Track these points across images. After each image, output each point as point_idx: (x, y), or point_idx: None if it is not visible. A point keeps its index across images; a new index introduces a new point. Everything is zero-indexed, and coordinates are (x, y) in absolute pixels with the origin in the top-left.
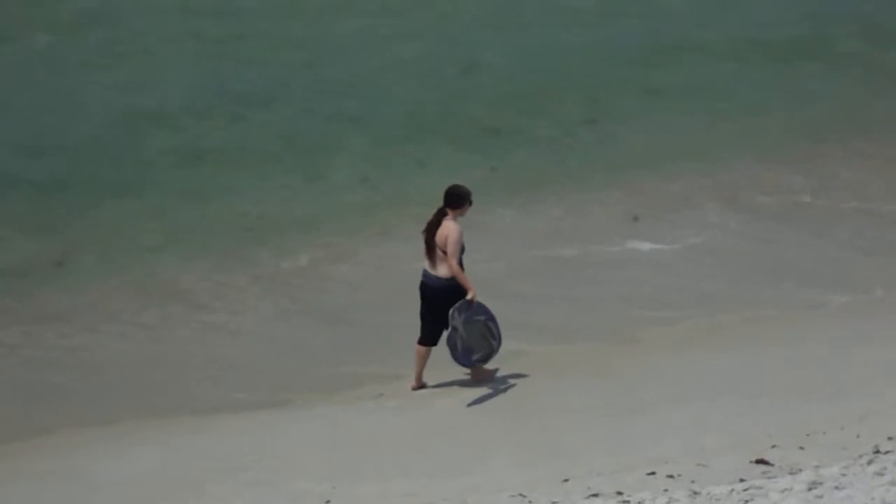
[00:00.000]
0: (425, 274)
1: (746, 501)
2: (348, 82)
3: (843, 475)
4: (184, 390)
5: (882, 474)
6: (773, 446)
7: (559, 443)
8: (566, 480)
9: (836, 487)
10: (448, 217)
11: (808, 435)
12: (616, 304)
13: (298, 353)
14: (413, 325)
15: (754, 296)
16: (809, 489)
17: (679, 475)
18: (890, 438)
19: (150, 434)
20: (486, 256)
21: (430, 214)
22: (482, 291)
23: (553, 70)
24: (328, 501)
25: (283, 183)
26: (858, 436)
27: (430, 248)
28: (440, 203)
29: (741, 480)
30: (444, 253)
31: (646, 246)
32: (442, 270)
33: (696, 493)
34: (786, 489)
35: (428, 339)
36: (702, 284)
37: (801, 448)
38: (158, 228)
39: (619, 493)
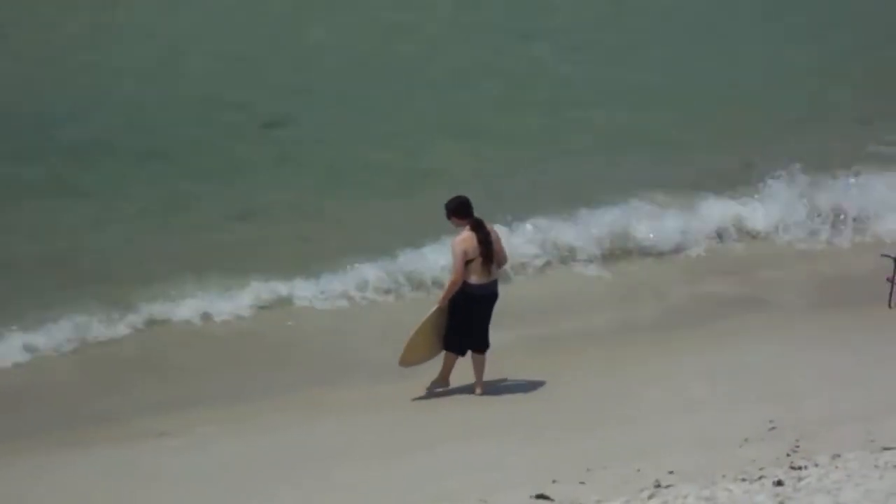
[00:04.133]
0: (491, 284)
1: None
2: None
3: None
4: None
5: None
6: (554, 481)
7: (340, 481)
8: None
9: None
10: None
11: (588, 469)
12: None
13: (76, 389)
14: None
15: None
16: None
17: None
18: (671, 472)
19: None
20: None
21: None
22: None
23: None
24: None
25: None
26: (639, 470)
27: (490, 258)
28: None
29: None
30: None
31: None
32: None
33: None
34: None
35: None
36: None
37: (582, 483)
38: None
39: None
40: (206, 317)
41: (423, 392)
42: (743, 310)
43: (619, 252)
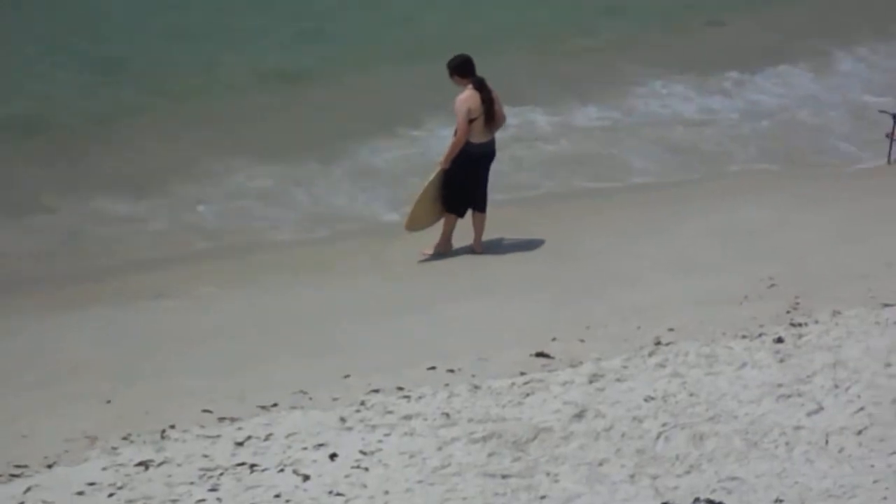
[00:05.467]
0: (490, 143)
1: (527, 395)
2: None
3: (625, 367)
4: None
5: (664, 366)
6: (554, 339)
7: (338, 340)
8: (347, 376)
9: (618, 380)
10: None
11: (588, 328)
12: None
13: (76, 254)
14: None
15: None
16: (591, 381)
17: (459, 369)
18: (671, 330)
19: None
20: None
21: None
22: None
23: None
24: (109, 401)
25: None
26: (639, 327)
27: (492, 117)
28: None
29: (521, 374)
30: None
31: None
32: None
33: (476, 387)
34: (567, 382)
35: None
36: None
37: (582, 341)
38: None
39: (400, 389)
40: None
41: (422, 255)
42: (739, 169)
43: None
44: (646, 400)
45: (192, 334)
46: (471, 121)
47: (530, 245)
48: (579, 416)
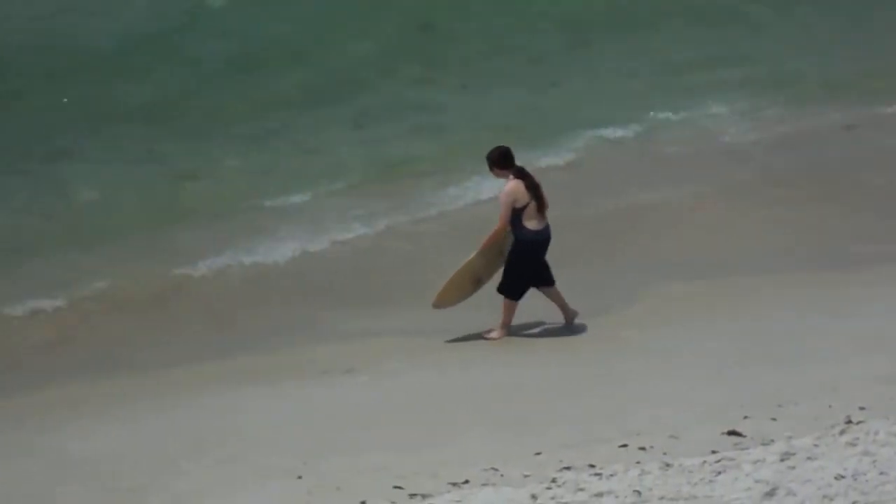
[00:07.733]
0: (546, 230)
1: (719, 473)
2: None
3: (816, 446)
4: (151, 367)
5: (854, 444)
6: (745, 417)
7: (530, 416)
8: (538, 454)
9: (809, 458)
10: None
11: (779, 406)
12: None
13: (266, 328)
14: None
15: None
16: (782, 460)
17: (651, 447)
18: (862, 408)
19: (118, 412)
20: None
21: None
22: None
23: None
24: (300, 476)
25: None
26: (830, 406)
27: (542, 202)
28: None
29: (713, 452)
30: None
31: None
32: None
33: (668, 464)
34: (758, 460)
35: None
36: None
37: (774, 419)
38: None
39: (592, 466)
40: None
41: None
42: None
43: None
44: (836, 478)
45: (383, 409)
46: (522, 209)
47: (711, 322)
48: (770, 494)
